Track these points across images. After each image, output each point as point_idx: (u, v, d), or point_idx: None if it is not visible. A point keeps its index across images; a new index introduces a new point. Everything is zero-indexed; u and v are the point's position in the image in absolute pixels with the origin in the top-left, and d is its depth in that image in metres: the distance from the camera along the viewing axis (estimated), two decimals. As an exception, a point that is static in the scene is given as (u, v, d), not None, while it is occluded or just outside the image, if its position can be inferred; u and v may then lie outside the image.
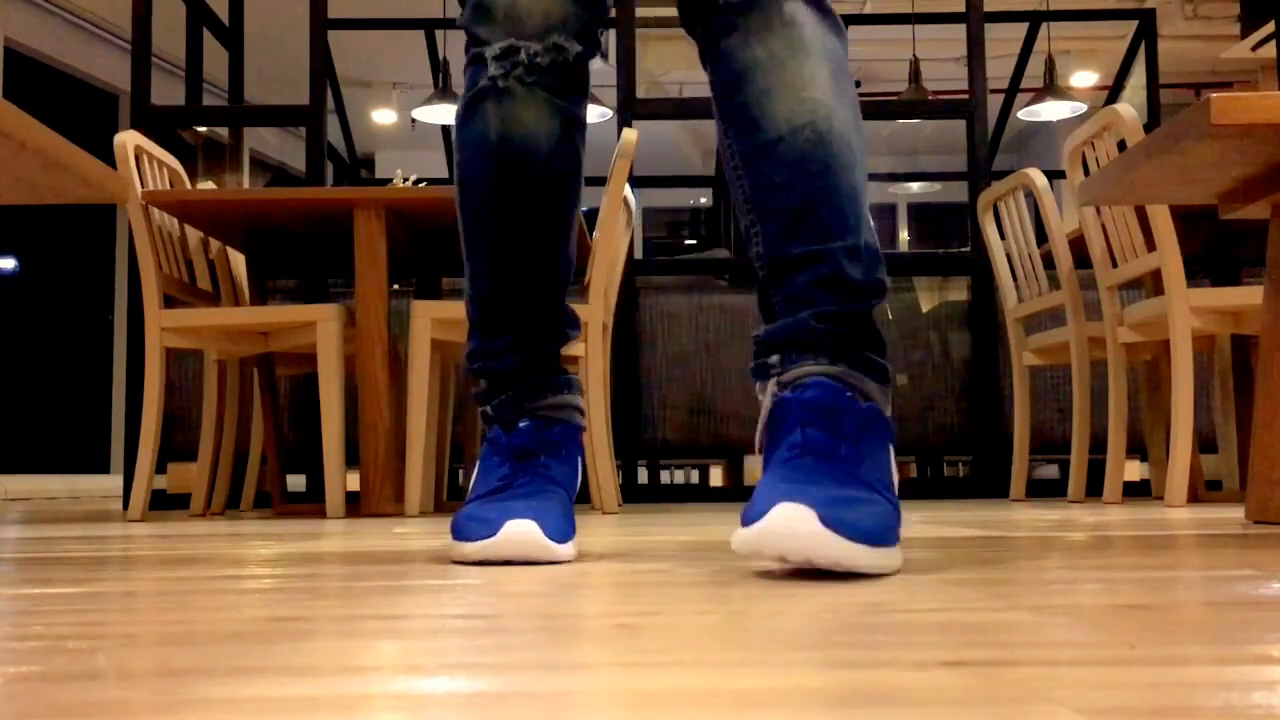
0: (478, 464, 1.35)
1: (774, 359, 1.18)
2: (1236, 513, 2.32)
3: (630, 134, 3.09)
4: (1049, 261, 3.40)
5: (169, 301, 3.01)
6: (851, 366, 1.15)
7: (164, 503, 3.81)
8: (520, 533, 1.18)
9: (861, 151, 1.25)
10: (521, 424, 1.33)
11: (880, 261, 1.23)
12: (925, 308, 4.25)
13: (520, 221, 1.35)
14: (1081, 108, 6.75)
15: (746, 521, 1.00)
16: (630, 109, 3.94)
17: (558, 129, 1.32)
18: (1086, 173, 3.18)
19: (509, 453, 1.31)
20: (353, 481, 3.04)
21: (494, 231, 1.37)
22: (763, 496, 1.01)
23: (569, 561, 1.23)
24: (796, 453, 1.07)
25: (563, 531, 1.23)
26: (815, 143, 1.21)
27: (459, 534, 1.23)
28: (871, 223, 1.24)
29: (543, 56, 1.29)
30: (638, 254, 4.09)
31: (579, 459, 1.37)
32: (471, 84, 1.32)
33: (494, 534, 1.19)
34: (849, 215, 1.20)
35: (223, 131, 7.90)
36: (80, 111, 7.67)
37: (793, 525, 0.97)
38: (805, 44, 1.23)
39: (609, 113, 6.49)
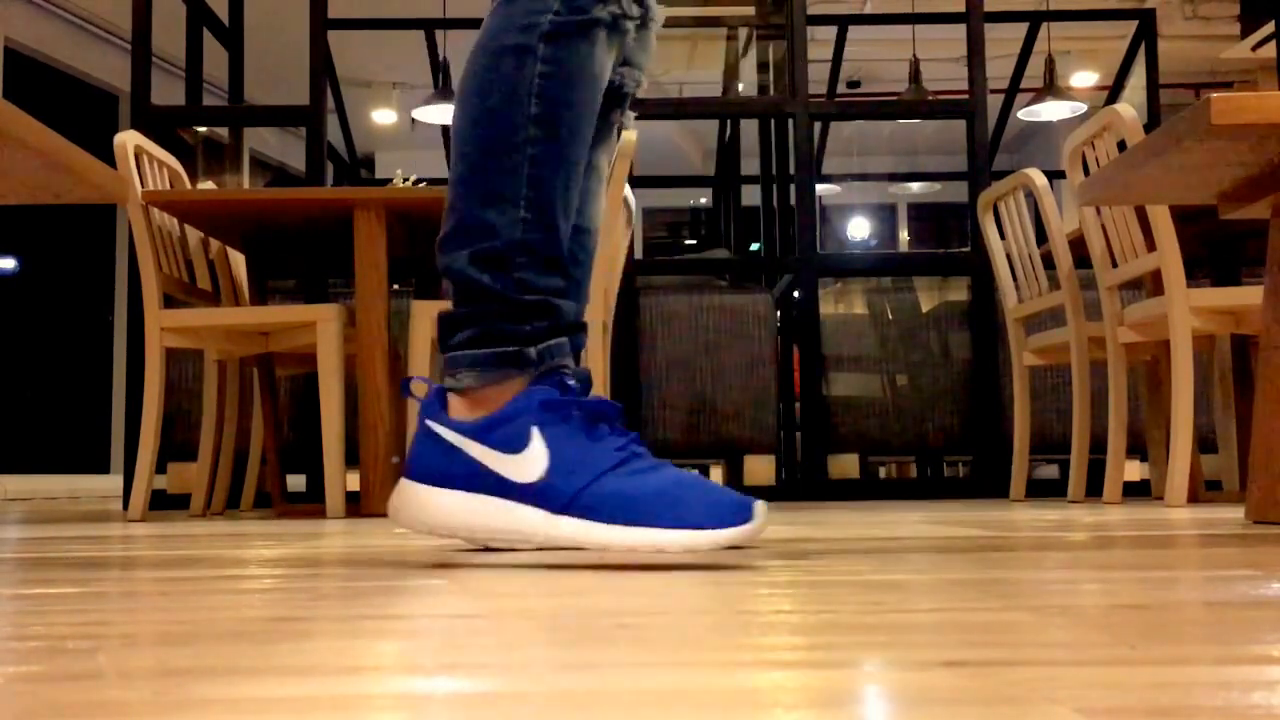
0: (532, 423, 1.21)
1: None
2: (1236, 513, 2.32)
3: (630, 134, 3.09)
4: (1049, 261, 3.40)
5: (169, 301, 3.01)
6: None
7: (164, 503, 3.81)
8: (765, 515, 1.16)
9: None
10: (571, 382, 1.25)
11: None
12: (925, 308, 4.25)
13: (581, 162, 1.30)
14: (1081, 108, 6.75)
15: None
16: (630, 109, 3.93)
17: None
18: (1086, 173, 3.18)
19: (593, 413, 1.22)
20: (353, 481, 3.04)
21: (572, 161, 1.28)
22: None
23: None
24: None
25: None
26: None
27: (704, 520, 1.13)
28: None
29: (635, 19, 1.32)
30: (638, 254, 4.10)
31: None
32: (579, 8, 1.27)
33: (752, 518, 1.13)
34: None
35: (223, 131, 7.90)
36: (80, 111, 7.67)
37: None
38: None
39: (609, 113, 6.49)
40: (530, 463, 1.20)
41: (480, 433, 1.22)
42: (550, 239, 1.26)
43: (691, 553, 1.12)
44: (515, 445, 1.20)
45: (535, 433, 1.20)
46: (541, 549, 1.20)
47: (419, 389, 1.27)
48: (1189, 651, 0.62)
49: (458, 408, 1.26)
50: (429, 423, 1.25)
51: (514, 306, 1.25)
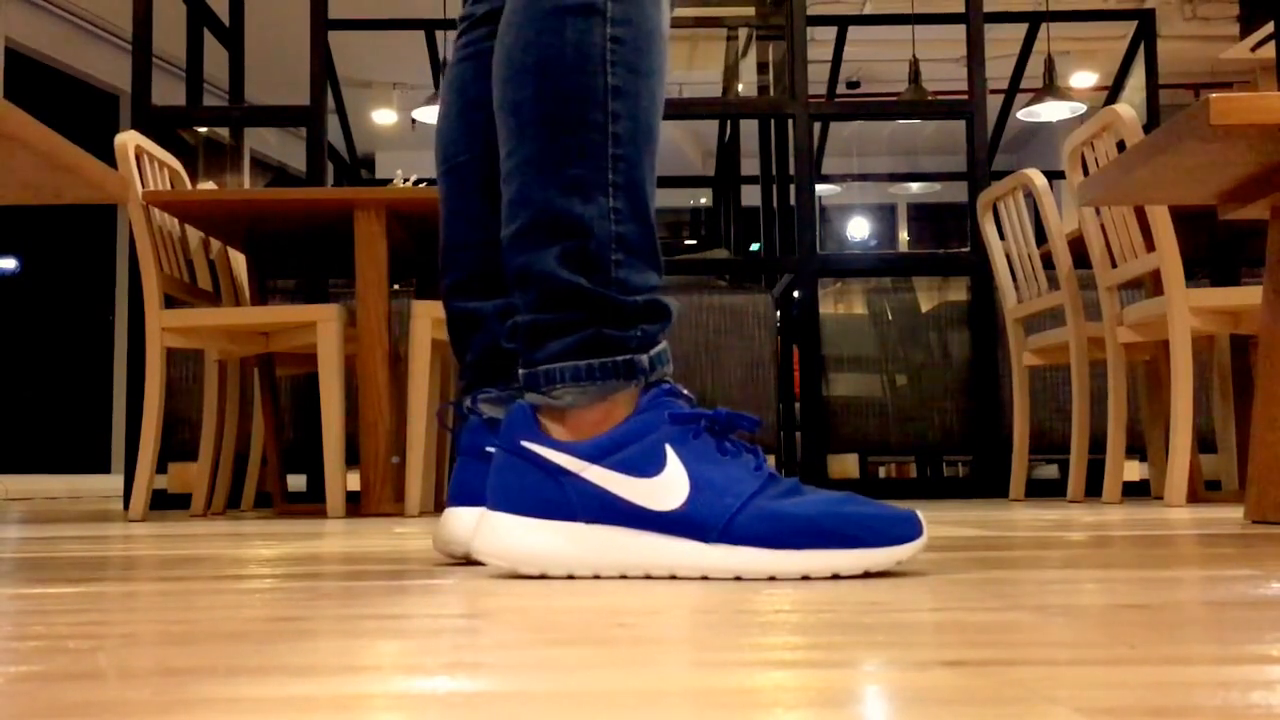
0: (665, 441, 1.04)
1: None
2: (1236, 513, 2.32)
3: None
4: (1049, 261, 3.40)
5: (170, 301, 3.01)
6: None
7: (165, 503, 3.81)
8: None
9: None
10: (685, 391, 1.11)
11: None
12: (925, 308, 4.25)
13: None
14: (1081, 108, 6.75)
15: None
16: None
17: None
18: (1086, 173, 3.18)
19: (723, 426, 1.07)
20: (353, 481, 3.04)
21: (655, 137, 1.13)
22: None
23: None
24: None
25: None
26: None
27: (878, 537, 1.01)
28: None
29: None
30: (638, 254, 4.09)
31: None
32: None
33: (923, 532, 1.03)
34: None
35: (223, 131, 7.90)
36: (80, 111, 7.67)
37: None
38: None
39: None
40: (668, 487, 1.02)
41: (602, 454, 1.04)
42: (645, 230, 1.11)
43: (868, 572, 1.02)
44: (648, 468, 1.03)
45: (670, 452, 1.04)
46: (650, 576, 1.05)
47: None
48: (1189, 651, 0.62)
49: (553, 428, 1.08)
50: (526, 444, 1.06)
51: (619, 310, 1.09)
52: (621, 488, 1.03)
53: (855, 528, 1.01)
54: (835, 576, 1.00)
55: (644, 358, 1.09)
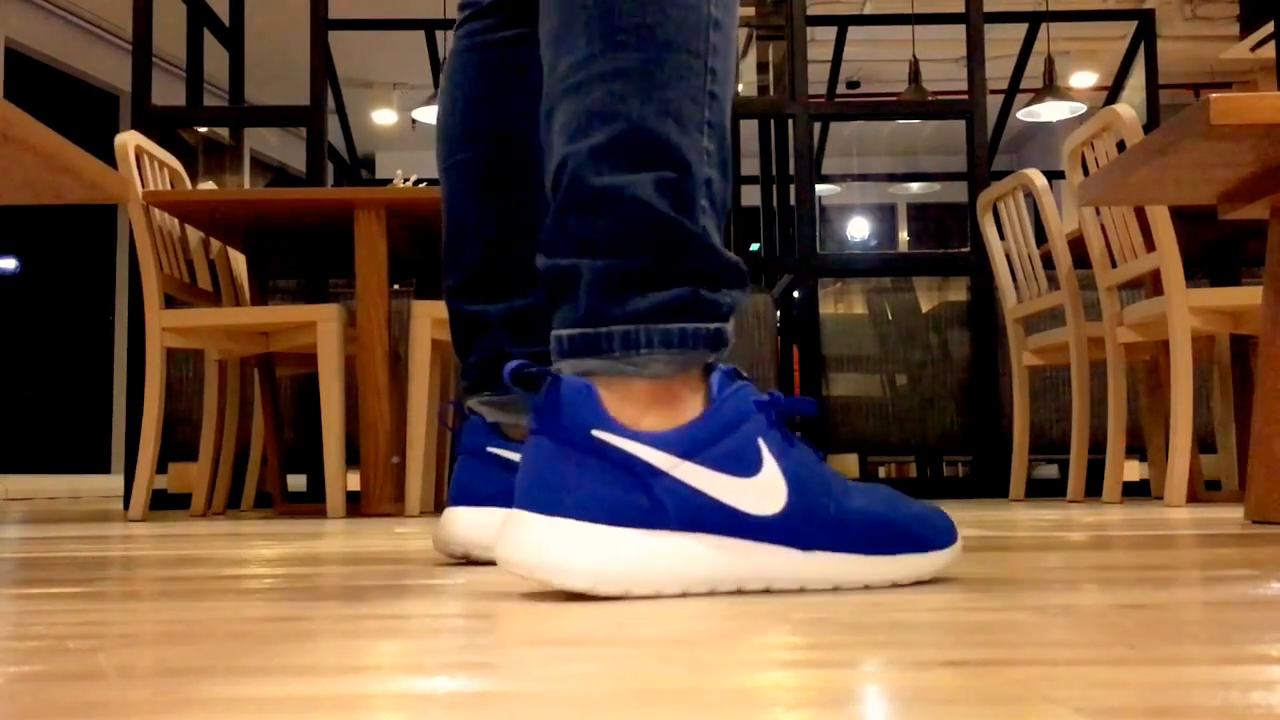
0: (757, 434, 0.87)
1: None
2: (1236, 513, 2.32)
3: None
4: (1048, 261, 3.40)
5: (170, 301, 3.01)
6: None
7: (165, 503, 3.81)
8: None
9: None
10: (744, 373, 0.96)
11: None
12: (925, 308, 4.25)
13: None
14: (1081, 108, 6.76)
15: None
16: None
17: None
18: (1086, 173, 3.18)
19: (788, 414, 0.90)
20: (353, 481, 3.05)
21: (733, 83, 0.98)
22: None
23: None
24: None
25: None
26: None
27: (938, 536, 0.93)
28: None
29: None
30: (638, 254, 4.09)
31: None
32: None
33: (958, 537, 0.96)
34: None
35: (223, 131, 7.90)
36: (80, 111, 7.67)
37: None
38: None
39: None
40: (768, 489, 0.86)
41: (696, 448, 0.85)
42: (725, 184, 0.93)
43: (934, 576, 0.93)
44: (746, 465, 0.86)
45: (763, 447, 0.87)
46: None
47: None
48: (1189, 651, 0.62)
49: (620, 410, 0.86)
50: (599, 434, 0.84)
51: (713, 265, 0.90)
52: (719, 489, 0.85)
53: (920, 526, 0.92)
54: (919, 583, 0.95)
55: (728, 329, 0.91)
